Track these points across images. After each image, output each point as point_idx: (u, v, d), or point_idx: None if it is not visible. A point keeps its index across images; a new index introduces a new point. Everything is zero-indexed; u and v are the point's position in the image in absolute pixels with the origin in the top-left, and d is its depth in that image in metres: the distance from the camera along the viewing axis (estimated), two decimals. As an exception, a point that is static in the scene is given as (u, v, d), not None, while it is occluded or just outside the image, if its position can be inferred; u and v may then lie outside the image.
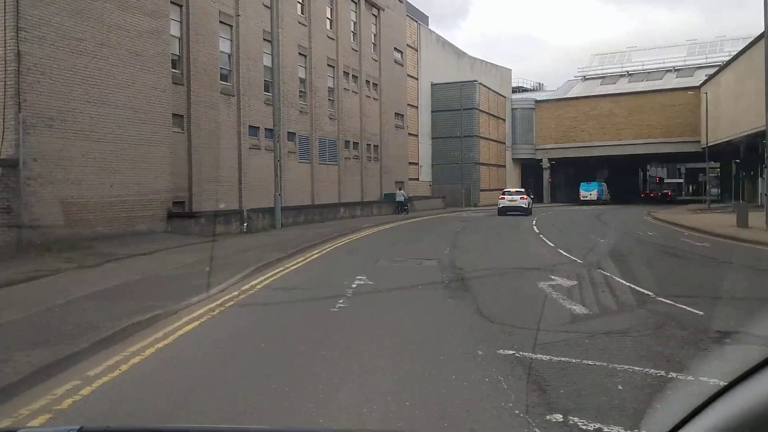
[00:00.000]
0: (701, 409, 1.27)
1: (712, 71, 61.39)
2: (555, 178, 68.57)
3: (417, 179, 51.63)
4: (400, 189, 41.10)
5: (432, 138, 56.04)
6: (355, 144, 37.82)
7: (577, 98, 65.85)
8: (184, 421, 4.22)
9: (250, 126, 27.62)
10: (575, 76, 75.98)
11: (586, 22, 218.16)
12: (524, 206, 36.95)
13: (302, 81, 32.25)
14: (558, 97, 67.69)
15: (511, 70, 72.96)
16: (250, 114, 27.62)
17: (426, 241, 19.14)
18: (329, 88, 34.87)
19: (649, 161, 79.51)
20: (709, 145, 54.48)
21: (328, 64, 34.65)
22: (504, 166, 64.65)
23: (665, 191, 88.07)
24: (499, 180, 63.10)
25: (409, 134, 49.31)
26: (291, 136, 31.00)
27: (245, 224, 20.82)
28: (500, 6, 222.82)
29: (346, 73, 36.55)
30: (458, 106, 54.48)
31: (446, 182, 54.21)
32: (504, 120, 64.83)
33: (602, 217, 36.25)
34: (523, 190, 40.83)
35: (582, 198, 63.31)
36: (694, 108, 58.36)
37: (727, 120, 47.62)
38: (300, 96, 31.93)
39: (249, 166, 27.35)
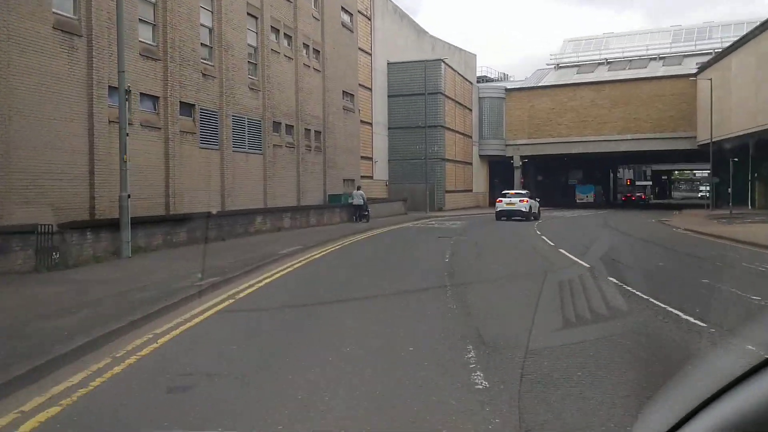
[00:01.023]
0: (698, 410, 1.24)
1: (703, 59, 54.13)
2: (526, 179, 60.14)
3: (371, 177, 42.09)
4: (358, 188, 31.43)
5: (389, 128, 46.59)
6: (289, 127, 27.99)
7: (553, 86, 57.56)
8: None
9: (111, 87, 17.44)
10: (547, 64, 67.89)
11: (546, 24, 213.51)
12: (524, 210, 32.12)
13: (208, 31, 22.23)
14: (532, 85, 59.25)
15: (475, 55, 64.29)
16: (113, 68, 17.44)
17: (394, 304, 9.15)
18: (250, 47, 24.93)
19: (635, 160, 71.78)
20: (714, 140, 46.89)
21: (249, 13, 24.71)
22: (471, 164, 55.77)
23: (638, 194, 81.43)
24: (465, 180, 54.19)
25: (362, 122, 39.76)
26: (188, 108, 20.97)
27: (55, 254, 10.76)
28: (447, 6, 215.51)
29: (275, 30, 26.66)
30: (420, 89, 45.17)
31: (406, 181, 44.85)
32: (471, 110, 55.97)
33: (619, 227, 27.59)
34: (524, 192, 35.83)
35: (578, 200, 63.22)
36: (690, 99, 50.78)
37: (742, 111, 39.81)
38: (204, 53, 21.91)
39: (108, 149, 17.19)
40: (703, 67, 49.01)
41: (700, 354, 5.54)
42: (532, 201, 33.42)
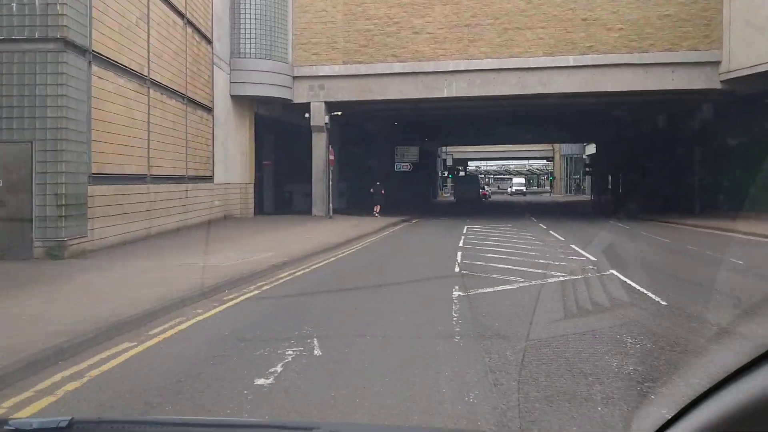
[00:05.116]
0: (690, 408, 1.26)
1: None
2: (341, 160, 27.97)
3: None
4: None
5: None
6: None
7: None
8: None
9: None
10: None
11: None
12: None
13: None
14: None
15: None
16: None
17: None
18: None
19: (590, 110, 37.46)
20: (748, 71, 19.73)
21: None
22: (210, 110, 21.50)
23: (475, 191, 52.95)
24: (199, 148, 19.73)
25: None
26: None
27: None
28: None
29: None
30: None
31: None
32: (208, -28, 21.59)
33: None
34: None
35: (459, 198, 46.26)
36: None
37: None
38: None
39: None
40: None
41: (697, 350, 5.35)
42: None
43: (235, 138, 24.22)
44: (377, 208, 26.54)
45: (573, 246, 14.64)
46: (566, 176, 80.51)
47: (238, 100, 24.24)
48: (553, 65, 23.71)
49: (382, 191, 27.45)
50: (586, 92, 23.94)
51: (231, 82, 23.93)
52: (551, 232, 19.40)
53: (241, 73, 24.10)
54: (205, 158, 20.81)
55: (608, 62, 23.30)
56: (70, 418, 1.58)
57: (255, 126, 25.70)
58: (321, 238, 15.85)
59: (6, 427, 1.50)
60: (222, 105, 22.93)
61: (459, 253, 13.02)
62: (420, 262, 12.15)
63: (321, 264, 11.60)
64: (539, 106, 28.77)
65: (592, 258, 12.23)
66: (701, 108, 26.10)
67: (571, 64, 23.58)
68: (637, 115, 31.81)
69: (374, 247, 15.19)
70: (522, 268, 10.67)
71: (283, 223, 22.24)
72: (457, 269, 10.66)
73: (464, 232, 19.28)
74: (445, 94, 24.69)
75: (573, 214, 32.75)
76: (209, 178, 21.28)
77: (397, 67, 24.76)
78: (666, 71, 23.05)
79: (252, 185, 25.24)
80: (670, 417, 1.31)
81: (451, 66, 24.41)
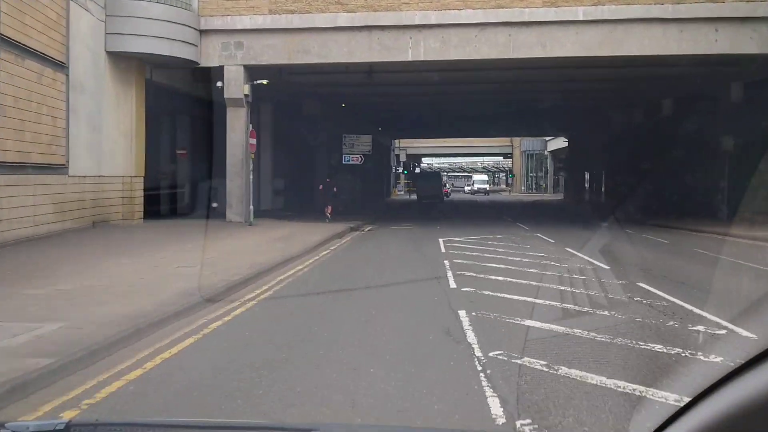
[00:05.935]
0: (689, 407, 1.22)
1: None
2: (272, 144, 21.30)
3: None
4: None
5: None
6: None
7: None
8: None
9: None
10: None
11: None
12: None
13: None
14: None
15: None
16: None
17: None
18: None
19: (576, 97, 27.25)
20: None
21: None
22: (62, 66, 14.29)
23: (439, 189, 45.19)
24: (31, 124, 12.53)
25: None
26: None
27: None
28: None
29: None
30: None
31: None
32: None
33: None
34: None
35: (422, 196, 39.56)
36: None
37: None
38: None
39: None
40: None
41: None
42: None
43: (114, 113, 17.05)
44: (329, 209, 20.27)
45: (640, 284, 8.33)
46: (526, 173, 75.44)
47: (118, 59, 17.06)
48: (557, 19, 17.48)
49: (334, 189, 21.29)
50: (602, 56, 17.76)
51: (107, 33, 16.76)
52: (568, 249, 13.11)
53: (121, 20, 16.93)
54: (49, 137, 13.65)
55: (631, 16, 17.22)
56: (67, 420, 1.52)
57: (152, 99, 18.62)
58: (205, 272, 9.03)
59: (3, 431, 1.48)
60: (88, 63, 15.76)
61: (463, 315, 6.46)
62: (390, 364, 5.03)
63: (115, 386, 4.35)
64: (534, 83, 22.59)
65: (714, 318, 5.97)
66: (730, 85, 20.48)
67: (581, 18, 17.40)
68: (645, 95, 26.10)
69: (294, 293, 8.42)
70: (648, 391, 4.23)
71: (176, 234, 15.30)
72: (498, 409, 3.92)
73: (443, 251, 12.79)
74: (410, 57, 18.12)
75: (559, 217, 26.82)
76: (59, 168, 14.14)
77: (344, 19, 18.07)
78: (707, 29, 17.10)
79: (141, 179, 18.10)
80: (669, 415, 1.25)
81: (417, 18, 17.88)
